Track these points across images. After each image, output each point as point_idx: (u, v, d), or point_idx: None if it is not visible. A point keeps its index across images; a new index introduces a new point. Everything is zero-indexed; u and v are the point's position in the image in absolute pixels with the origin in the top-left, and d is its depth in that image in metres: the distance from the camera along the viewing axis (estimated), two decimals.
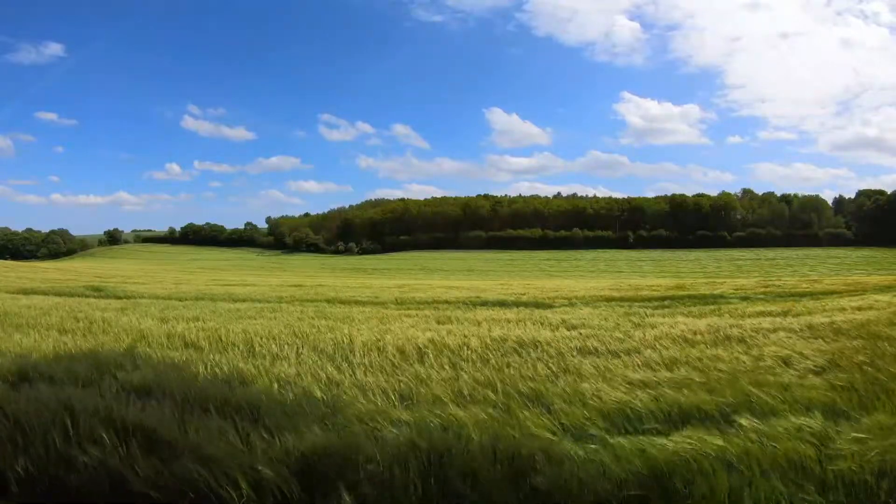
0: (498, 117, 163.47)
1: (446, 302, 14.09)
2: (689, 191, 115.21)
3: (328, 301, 14.56)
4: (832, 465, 2.80)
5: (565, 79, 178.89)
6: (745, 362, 5.24)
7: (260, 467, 2.87)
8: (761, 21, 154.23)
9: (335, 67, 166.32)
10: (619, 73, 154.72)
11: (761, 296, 14.31)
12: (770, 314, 9.46)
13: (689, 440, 3.08)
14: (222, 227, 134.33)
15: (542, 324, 8.56)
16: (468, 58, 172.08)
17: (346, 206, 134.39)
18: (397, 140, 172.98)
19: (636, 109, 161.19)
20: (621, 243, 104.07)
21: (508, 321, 8.93)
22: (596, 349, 6.17)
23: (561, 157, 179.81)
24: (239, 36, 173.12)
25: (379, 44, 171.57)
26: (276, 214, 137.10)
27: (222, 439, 3.22)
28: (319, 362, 5.58)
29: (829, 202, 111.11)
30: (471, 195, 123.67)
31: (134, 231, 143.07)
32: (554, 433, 3.43)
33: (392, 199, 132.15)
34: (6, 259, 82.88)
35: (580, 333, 7.30)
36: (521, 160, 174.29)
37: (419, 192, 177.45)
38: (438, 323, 8.90)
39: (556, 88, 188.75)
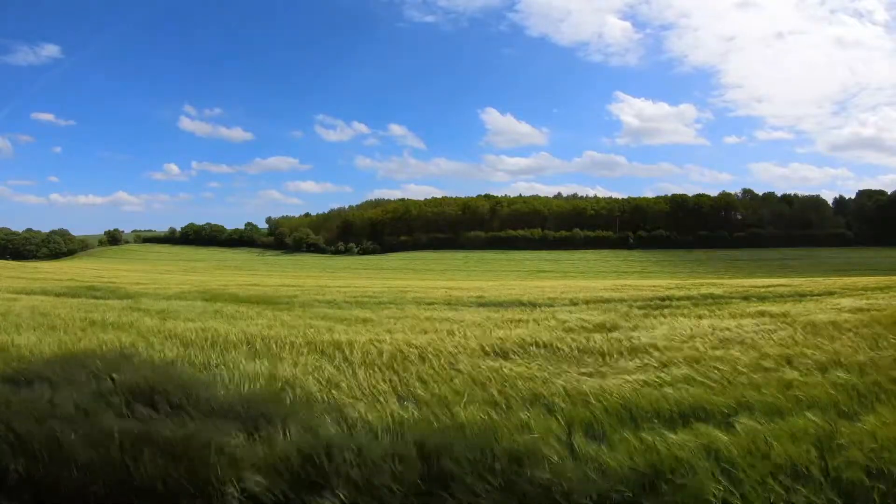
0: (493, 118, 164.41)
1: (446, 302, 14.08)
2: (688, 191, 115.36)
3: (328, 302, 14.57)
4: (832, 465, 2.79)
5: (560, 79, 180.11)
6: (746, 362, 5.22)
7: (259, 466, 2.87)
8: (756, 20, 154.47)
9: (329, 68, 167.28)
10: (614, 73, 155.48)
11: (762, 296, 14.30)
12: (771, 314, 9.43)
13: (690, 440, 3.07)
14: (223, 227, 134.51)
15: (542, 324, 8.54)
16: (462, 58, 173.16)
17: (346, 207, 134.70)
18: (394, 140, 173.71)
19: (630, 109, 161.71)
20: (621, 244, 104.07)
21: (508, 321, 8.92)
22: (596, 350, 6.15)
23: (558, 157, 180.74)
24: (233, 37, 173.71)
25: (372, 44, 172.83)
26: (275, 215, 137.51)
27: (222, 439, 3.21)
28: (319, 362, 5.58)
29: (829, 202, 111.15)
30: (470, 195, 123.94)
31: (134, 231, 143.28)
32: (555, 433, 3.42)
33: (392, 199, 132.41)
34: (7, 259, 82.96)
35: (580, 334, 7.29)
36: (519, 160, 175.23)
37: (417, 192, 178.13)
38: (438, 323, 8.90)
39: (551, 89, 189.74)
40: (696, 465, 2.82)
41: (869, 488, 2.60)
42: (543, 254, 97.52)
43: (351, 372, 5.17)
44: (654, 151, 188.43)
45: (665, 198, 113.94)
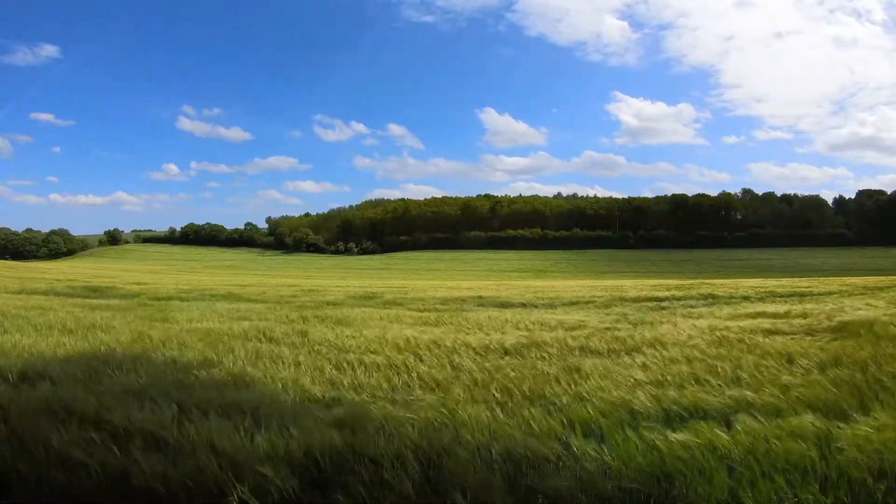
0: (491, 117, 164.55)
1: (445, 303, 14.06)
2: (687, 191, 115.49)
3: (327, 302, 14.55)
4: (833, 464, 2.79)
5: (558, 79, 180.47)
6: (746, 362, 5.22)
7: (261, 467, 2.87)
8: (755, 20, 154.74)
9: (327, 68, 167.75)
10: (612, 72, 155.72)
11: (762, 296, 14.29)
12: (770, 314, 9.43)
13: (691, 439, 3.07)
14: (222, 227, 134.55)
15: (541, 324, 8.54)
16: (460, 58, 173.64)
17: (346, 207, 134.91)
18: (393, 140, 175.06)
19: (629, 109, 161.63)
20: (621, 243, 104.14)
21: (508, 322, 8.92)
22: (596, 349, 6.15)
23: (557, 157, 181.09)
24: (231, 37, 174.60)
25: (370, 44, 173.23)
26: (275, 214, 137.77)
27: (222, 440, 3.21)
28: (319, 362, 5.57)
29: (829, 202, 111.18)
30: (470, 195, 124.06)
31: (134, 231, 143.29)
32: (557, 432, 3.42)
33: (391, 199, 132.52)
34: (7, 259, 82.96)
35: (580, 334, 7.28)
36: (518, 160, 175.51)
37: (416, 191, 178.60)
38: (438, 324, 8.89)
39: (550, 88, 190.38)
40: (699, 464, 2.81)
41: (873, 486, 2.60)
42: (543, 254, 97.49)
43: (351, 370, 5.16)
44: (652, 151, 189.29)
45: (665, 198, 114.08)
